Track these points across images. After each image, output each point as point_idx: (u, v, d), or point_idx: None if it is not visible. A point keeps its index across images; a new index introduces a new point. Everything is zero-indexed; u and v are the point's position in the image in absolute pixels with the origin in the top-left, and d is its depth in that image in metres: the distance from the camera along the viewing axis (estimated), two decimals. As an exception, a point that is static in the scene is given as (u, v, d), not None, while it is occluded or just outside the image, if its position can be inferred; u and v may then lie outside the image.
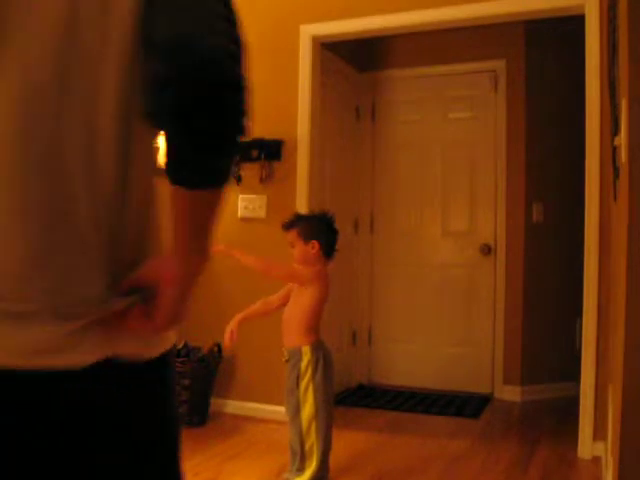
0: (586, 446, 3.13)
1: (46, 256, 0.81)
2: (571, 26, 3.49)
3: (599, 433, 3.09)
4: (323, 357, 2.57)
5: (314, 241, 2.58)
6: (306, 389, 2.53)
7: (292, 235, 2.63)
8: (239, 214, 3.81)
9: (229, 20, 0.82)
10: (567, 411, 3.79)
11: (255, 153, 3.73)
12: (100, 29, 0.83)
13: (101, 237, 0.85)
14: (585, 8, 3.16)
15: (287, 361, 2.61)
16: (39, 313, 0.80)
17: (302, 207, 3.58)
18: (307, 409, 2.53)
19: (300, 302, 2.60)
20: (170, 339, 0.97)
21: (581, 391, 3.17)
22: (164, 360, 0.94)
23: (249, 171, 3.78)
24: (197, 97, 0.77)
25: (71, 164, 0.82)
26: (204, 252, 0.90)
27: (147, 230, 0.91)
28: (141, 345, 0.89)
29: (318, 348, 2.57)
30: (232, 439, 3.38)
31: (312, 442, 2.54)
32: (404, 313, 4.70)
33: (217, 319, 3.61)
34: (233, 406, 3.82)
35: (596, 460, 3.06)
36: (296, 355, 2.57)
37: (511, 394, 4.35)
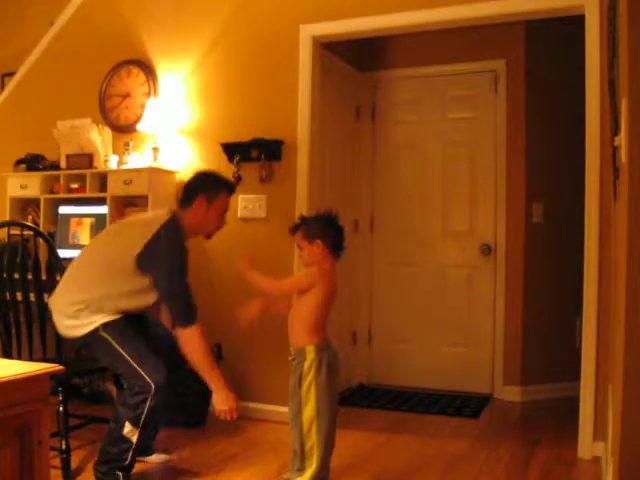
0: (586, 446, 3.13)
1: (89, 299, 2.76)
2: (571, 26, 3.49)
3: (599, 433, 3.09)
4: (328, 358, 2.55)
5: (318, 240, 2.58)
6: (308, 389, 2.52)
7: (298, 237, 2.64)
8: (239, 214, 3.80)
9: (181, 283, 2.75)
10: (567, 411, 3.79)
11: (255, 153, 3.73)
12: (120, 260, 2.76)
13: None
14: (585, 8, 3.16)
15: (292, 360, 2.61)
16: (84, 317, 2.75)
17: (302, 207, 3.58)
18: (308, 409, 2.52)
19: (304, 301, 2.59)
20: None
21: (581, 391, 3.17)
22: (96, 334, 2.71)
23: (249, 171, 3.78)
24: (181, 308, 2.75)
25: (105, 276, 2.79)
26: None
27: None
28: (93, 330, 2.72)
29: (323, 349, 2.55)
30: (232, 439, 3.39)
31: (313, 443, 2.53)
32: (404, 313, 4.70)
33: (217, 320, 3.62)
34: (233, 406, 3.81)
35: (596, 460, 3.06)
36: (300, 355, 2.56)
37: (511, 394, 4.35)
